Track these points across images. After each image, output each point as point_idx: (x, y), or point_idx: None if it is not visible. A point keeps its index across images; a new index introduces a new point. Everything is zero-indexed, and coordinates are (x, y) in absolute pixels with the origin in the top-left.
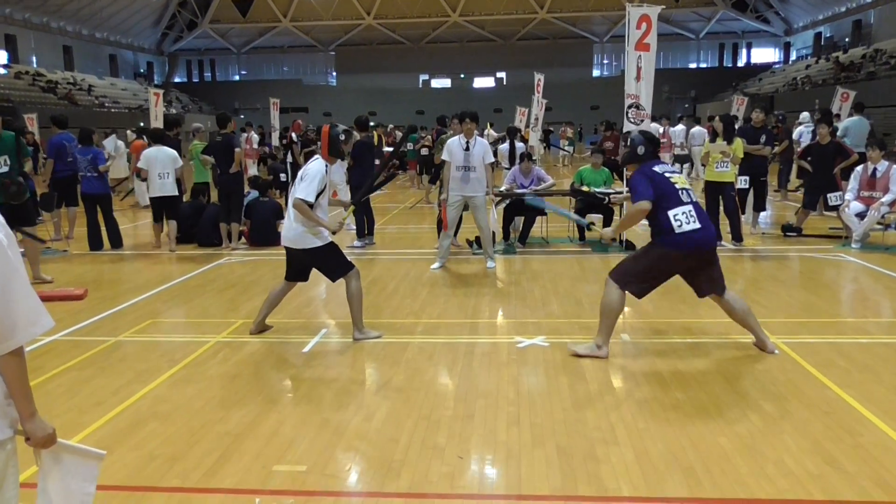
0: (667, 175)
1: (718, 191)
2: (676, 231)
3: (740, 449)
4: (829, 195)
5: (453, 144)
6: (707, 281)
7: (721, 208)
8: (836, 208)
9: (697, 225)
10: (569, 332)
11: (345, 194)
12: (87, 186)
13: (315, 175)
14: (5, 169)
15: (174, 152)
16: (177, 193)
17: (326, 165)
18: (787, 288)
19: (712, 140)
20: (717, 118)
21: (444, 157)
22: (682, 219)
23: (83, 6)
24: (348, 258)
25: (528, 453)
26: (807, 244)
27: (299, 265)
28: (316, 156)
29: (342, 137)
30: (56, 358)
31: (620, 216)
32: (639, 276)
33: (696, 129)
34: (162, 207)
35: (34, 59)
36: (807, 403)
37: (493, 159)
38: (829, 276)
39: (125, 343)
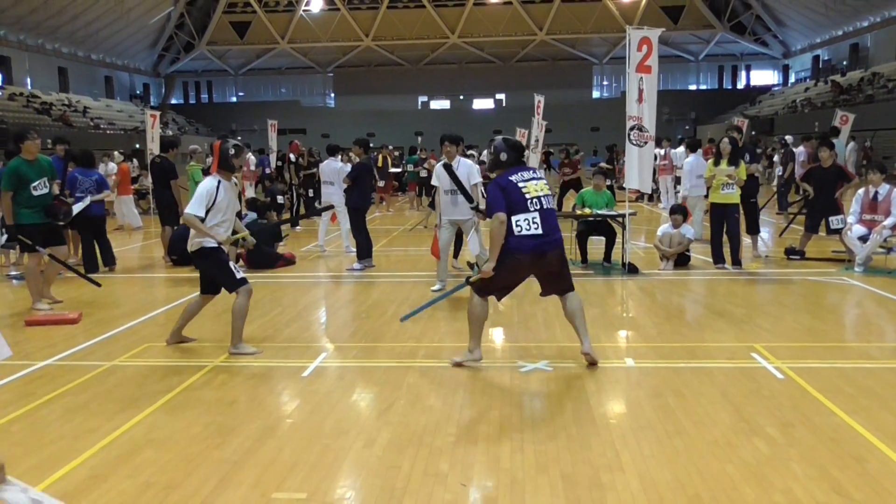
0: (520, 185)
1: (723, 213)
2: (515, 234)
3: (747, 476)
4: (830, 218)
5: (440, 168)
6: (548, 286)
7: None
8: (837, 231)
9: (538, 231)
10: (573, 356)
11: (343, 216)
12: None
13: (202, 192)
14: (45, 190)
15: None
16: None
17: (219, 181)
18: (790, 312)
19: (716, 162)
20: (724, 140)
21: (433, 181)
22: (524, 224)
23: (79, 28)
24: (240, 275)
25: (532, 480)
26: (809, 267)
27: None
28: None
29: (232, 152)
30: (49, 383)
31: (622, 237)
32: (494, 283)
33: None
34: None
35: (29, 80)
36: (813, 430)
37: (478, 180)
38: (832, 300)
39: (120, 368)
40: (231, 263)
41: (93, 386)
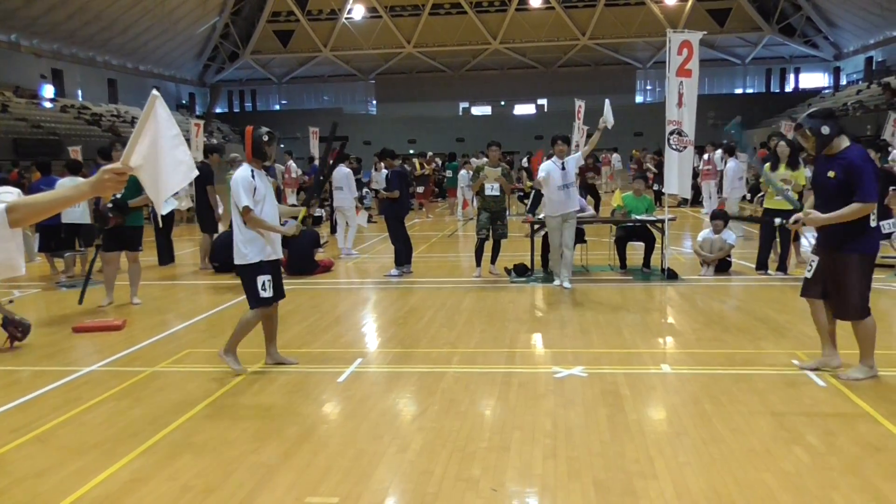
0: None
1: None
2: (870, 226)
3: (786, 486)
4: (881, 223)
5: (550, 167)
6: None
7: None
8: (888, 236)
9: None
10: (609, 362)
11: (352, 220)
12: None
13: (242, 182)
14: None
15: (82, 180)
16: (89, 221)
17: (252, 169)
18: None
19: (774, 167)
20: (781, 142)
21: (541, 176)
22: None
23: (128, 40)
24: (264, 295)
25: (565, 487)
26: None
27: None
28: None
29: (265, 139)
30: (94, 388)
31: (661, 244)
32: (867, 294)
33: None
34: (73, 233)
35: (80, 92)
36: (857, 439)
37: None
38: (881, 306)
39: (162, 373)
40: (262, 280)
41: (135, 391)
